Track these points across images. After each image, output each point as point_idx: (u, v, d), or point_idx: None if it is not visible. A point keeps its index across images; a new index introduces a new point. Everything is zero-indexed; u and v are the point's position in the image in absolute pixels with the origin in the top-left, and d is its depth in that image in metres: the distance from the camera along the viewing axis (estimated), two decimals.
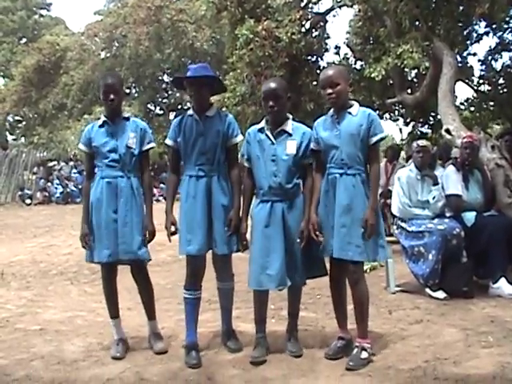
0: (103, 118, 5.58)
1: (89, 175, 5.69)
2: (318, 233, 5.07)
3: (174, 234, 5.34)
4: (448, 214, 7.54)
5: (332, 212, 5.05)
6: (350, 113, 5.11)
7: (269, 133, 5.25)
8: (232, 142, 5.37)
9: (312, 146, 5.24)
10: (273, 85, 5.22)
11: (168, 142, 5.47)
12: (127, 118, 5.61)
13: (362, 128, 5.02)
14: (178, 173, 5.51)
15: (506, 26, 14.34)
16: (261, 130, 5.32)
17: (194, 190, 5.23)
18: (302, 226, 5.15)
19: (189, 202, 5.24)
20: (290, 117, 5.34)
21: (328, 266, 5.31)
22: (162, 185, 30.95)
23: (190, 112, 5.40)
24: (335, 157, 5.07)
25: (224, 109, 13.01)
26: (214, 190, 5.23)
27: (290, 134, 5.23)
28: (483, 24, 13.97)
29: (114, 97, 5.46)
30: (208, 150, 5.25)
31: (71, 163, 31.77)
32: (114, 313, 5.70)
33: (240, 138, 5.42)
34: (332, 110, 5.23)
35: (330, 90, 5.05)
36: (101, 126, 5.57)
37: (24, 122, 45.52)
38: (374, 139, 5.04)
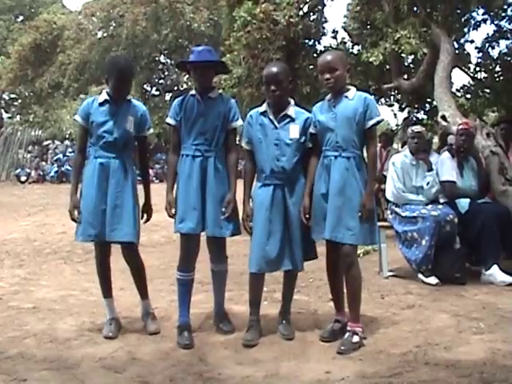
0: (105, 96, 5.51)
1: (81, 149, 5.69)
2: (307, 216, 5.11)
3: (172, 216, 5.34)
4: (442, 201, 7.57)
5: (327, 195, 5.06)
6: (346, 96, 5.11)
7: (272, 117, 5.24)
8: (232, 125, 5.37)
9: (311, 129, 5.25)
10: (274, 69, 5.22)
11: (169, 120, 5.45)
12: (129, 101, 5.58)
13: (358, 111, 5.03)
14: (178, 152, 5.45)
15: (503, 14, 14.28)
16: (263, 114, 5.30)
17: (189, 170, 5.23)
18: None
19: (183, 181, 5.26)
20: (292, 101, 5.34)
21: (324, 249, 5.34)
22: (156, 165, 30.97)
23: (193, 92, 5.41)
24: (330, 140, 5.08)
25: (220, 91, 13.01)
26: (208, 171, 5.22)
27: (293, 119, 5.23)
28: (481, 11, 13.91)
29: (126, 89, 5.54)
30: (207, 130, 5.25)
31: (66, 142, 31.78)
32: (107, 293, 5.71)
33: (240, 122, 5.42)
34: (329, 95, 5.24)
35: (327, 75, 5.06)
36: (101, 104, 5.50)
37: (20, 101, 45.42)
38: (370, 123, 5.04)
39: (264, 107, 5.33)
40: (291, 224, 5.17)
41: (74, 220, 5.48)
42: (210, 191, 5.21)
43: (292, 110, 5.26)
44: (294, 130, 5.20)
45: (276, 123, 5.21)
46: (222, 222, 5.23)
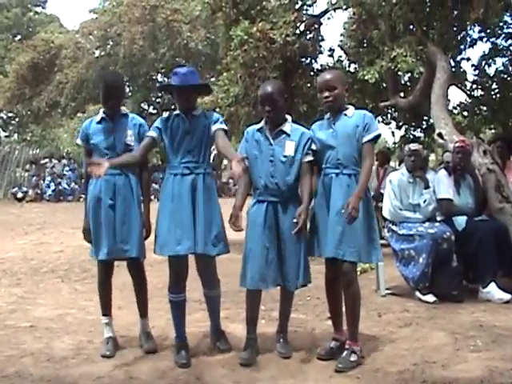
0: (102, 114, 5.56)
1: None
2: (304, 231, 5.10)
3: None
4: (439, 218, 7.57)
5: (327, 212, 5.06)
6: (345, 114, 5.15)
7: (267, 133, 5.25)
8: (214, 127, 5.28)
9: (312, 146, 5.25)
10: (269, 89, 5.21)
11: (150, 133, 5.45)
12: (126, 115, 5.61)
13: (358, 129, 5.05)
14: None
15: (499, 32, 14.34)
16: (260, 130, 5.32)
17: (178, 189, 5.20)
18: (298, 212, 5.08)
19: (174, 202, 5.20)
20: (289, 118, 5.35)
21: (322, 267, 5.33)
22: (154, 185, 30.94)
23: (177, 112, 5.41)
24: (331, 157, 5.10)
25: (217, 109, 13.03)
26: (198, 188, 5.20)
27: (289, 135, 5.23)
28: (477, 29, 13.95)
29: (114, 101, 5.52)
30: (194, 147, 5.25)
31: (64, 161, 31.79)
32: (107, 310, 5.70)
33: (224, 126, 5.35)
34: (328, 114, 5.26)
35: (326, 94, 5.10)
36: (99, 123, 5.55)
37: (17, 119, 45.58)
38: (368, 137, 5.04)
39: (261, 124, 5.35)
40: (283, 242, 5.14)
41: (87, 241, 5.54)
42: (199, 209, 5.18)
43: (288, 127, 5.27)
44: (290, 147, 5.19)
45: (271, 140, 5.23)
46: (211, 240, 5.19)
